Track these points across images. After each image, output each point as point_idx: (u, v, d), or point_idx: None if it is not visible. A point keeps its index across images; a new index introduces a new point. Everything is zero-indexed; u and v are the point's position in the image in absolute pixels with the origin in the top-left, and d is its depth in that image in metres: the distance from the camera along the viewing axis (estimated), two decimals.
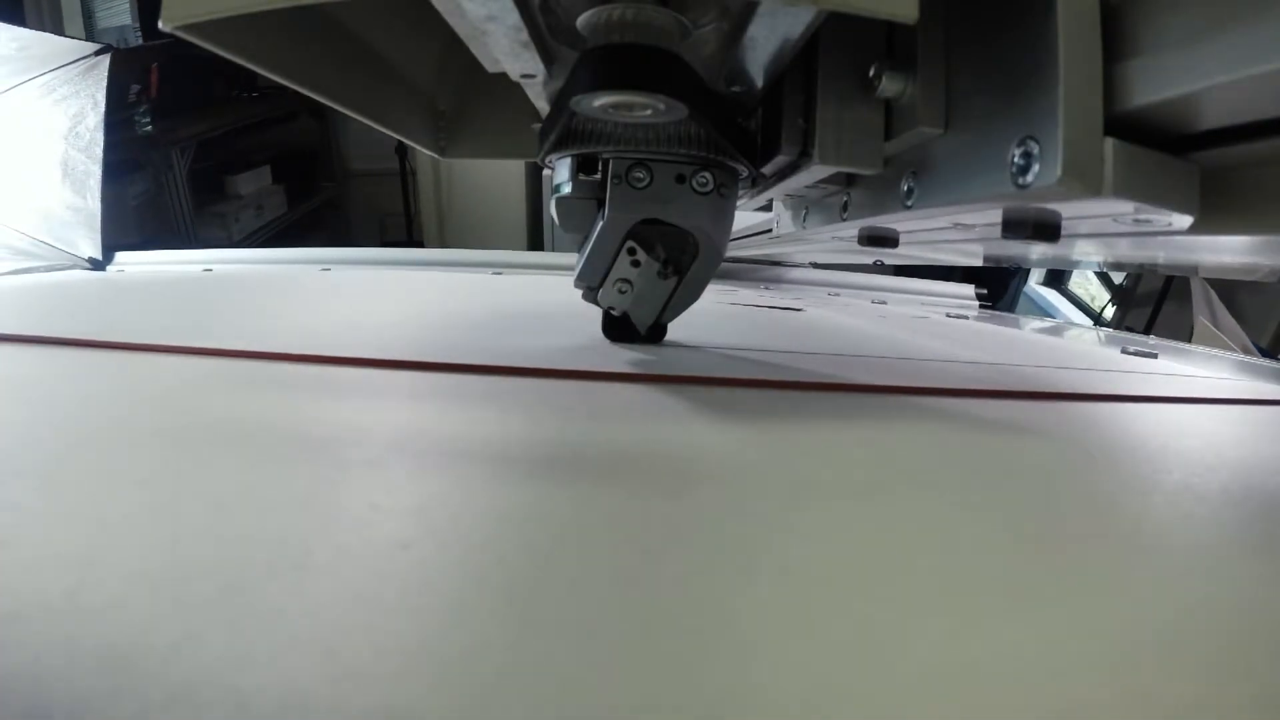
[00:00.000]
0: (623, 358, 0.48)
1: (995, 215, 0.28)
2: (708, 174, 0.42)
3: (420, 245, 2.63)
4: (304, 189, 2.87)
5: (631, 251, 0.45)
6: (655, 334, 0.51)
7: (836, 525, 0.24)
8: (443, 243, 2.60)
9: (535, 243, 2.53)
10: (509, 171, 2.45)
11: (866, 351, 0.60)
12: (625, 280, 0.46)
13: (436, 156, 0.57)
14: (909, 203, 0.33)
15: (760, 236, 0.88)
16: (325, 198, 3.01)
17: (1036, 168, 0.23)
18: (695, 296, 0.48)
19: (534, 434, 0.32)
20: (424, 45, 0.51)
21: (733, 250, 1.16)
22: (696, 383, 0.42)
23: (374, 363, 0.43)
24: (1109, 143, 0.22)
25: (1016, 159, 0.24)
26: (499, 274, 1.17)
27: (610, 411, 0.36)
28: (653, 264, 0.45)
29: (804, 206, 0.50)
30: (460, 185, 2.56)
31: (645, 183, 0.41)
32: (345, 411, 0.35)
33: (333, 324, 0.61)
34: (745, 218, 0.85)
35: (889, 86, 0.31)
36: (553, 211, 0.45)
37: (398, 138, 0.51)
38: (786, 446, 0.33)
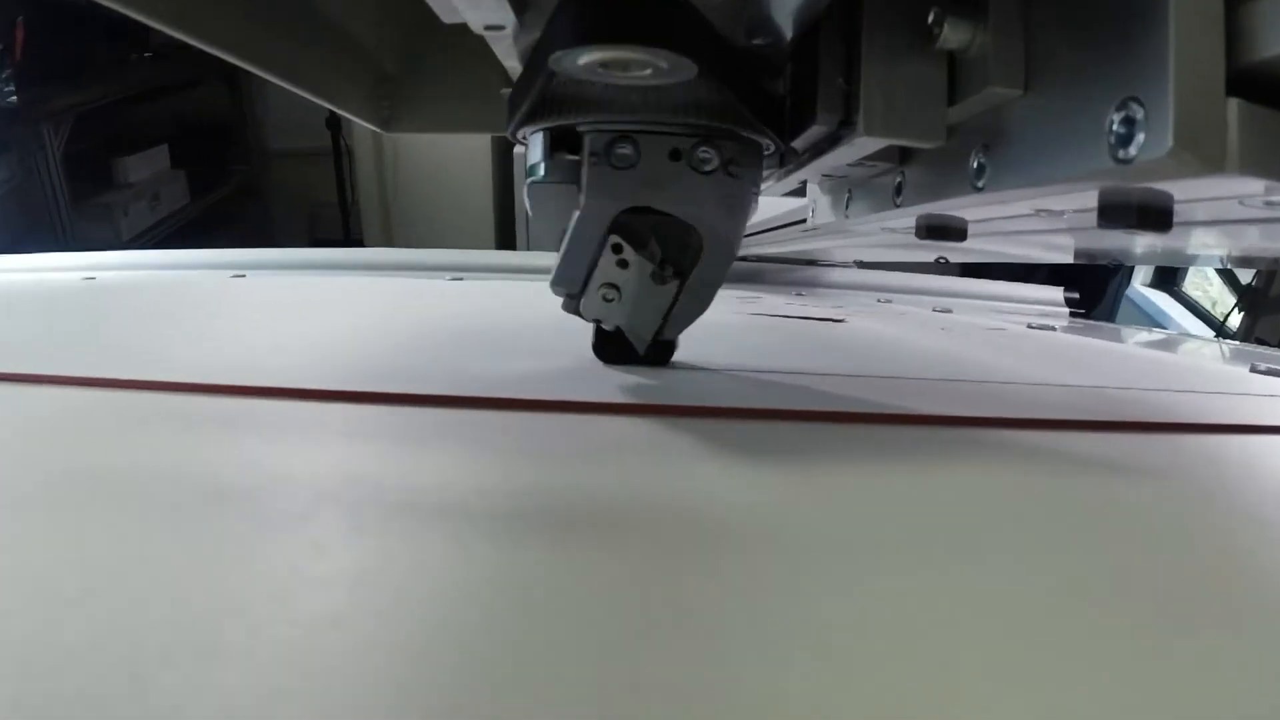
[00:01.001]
0: (617, 383, 0.48)
1: (1090, 199, 0.28)
2: (710, 149, 0.42)
3: (360, 244, 2.63)
4: (211, 174, 2.86)
5: (617, 249, 0.45)
6: (659, 353, 0.51)
7: (890, 600, 0.24)
8: (388, 240, 2.60)
9: (506, 239, 2.53)
10: (472, 150, 2.46)
11: (927, 373, 0.60)
12: (611, 285, 0.46)
13: (380, 131, 0.57)
14: (979, 184, 0.33)
15: (792, 229, 0.88)
16: (238, 185, 2.99)
17: (1141, 137, 0.23)
18: (704, 305, 0.48)
19: (504, 482, 0.32)
20: None
21: (757, 247, 1.16)
22: (710, 415, 0.42)
23: (303, 394, 0.43)
24: (1233, 104, 0.22)
25: (1116, 126, 0.24)
26: (459, 279, 1.17)
27: (602, 453, 0.36)
28: (645, 265, 0.45)
29: (846, 190, 0.50)
30: (410, 168, 2.56)
31: (631, 161, 0.41)
32: (266, 454, 0.34)
33: (250, 345, 0.61)
34: (772, 205, 0.81)
35: (952, 36, 0.31)
36: (525, 199, 0.45)
37: (330, 107, 0.51)
38: (824, 497, 0.33)
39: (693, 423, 0.41)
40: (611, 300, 0.47)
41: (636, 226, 0.44)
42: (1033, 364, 0.69)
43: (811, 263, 1.40)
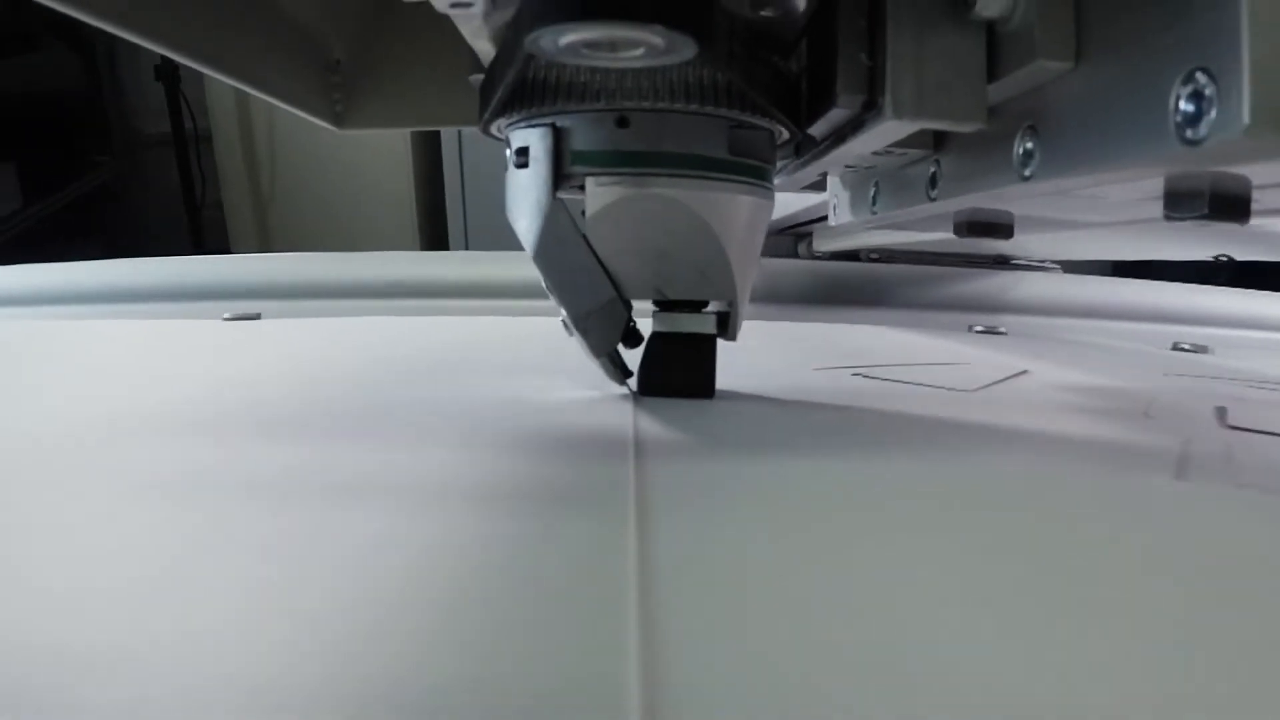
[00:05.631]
0: None
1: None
2: None
3: (223, 253, 2.15)
4: (58, 169, 2.34)
5: None
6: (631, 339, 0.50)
7: None
8: (264, 244, 2.25)
9: (435, 235, 2.24)
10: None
11: None
12: None
13: (333, 129, 0.56)
14: (1027, 172, 0.33)
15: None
16: (98, 183, 2.44)
17: (1211, 114, 0.23)
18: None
19: None
20: None
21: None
22: None
23: None
24: None
25: (1181, 103, 0.24)
26: (250, 319, 0.84)
27: None
28: None
29: (872, 183, 0.51)
30: (294, 153, 2.21)
31: None
32: None
33: None
34: (792, 202, 0.77)
35: (991, 2, 0.31)
36: (510, 210, 0.45)
37: (275, 102, 0.50)
38: None
39: None
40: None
41: None
42: None
43: (1005, 261, 1.05)
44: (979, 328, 0.91)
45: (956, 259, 1.05)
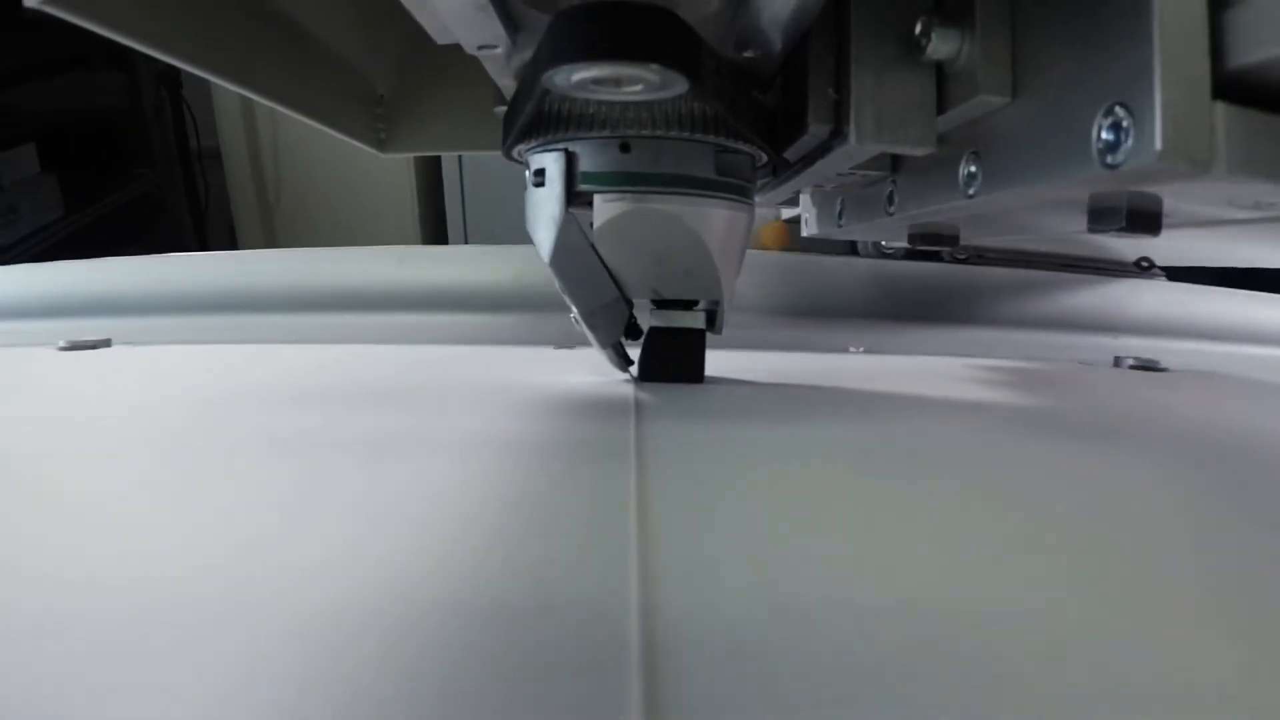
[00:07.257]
0: None
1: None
2: None
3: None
4: (99, 180, 2.25)
5: None
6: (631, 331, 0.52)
7: None
8: (270, 246, 2.06)
9: (437, 234, 2.17)
10: None
11: None
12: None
13: (375, 152, 0.58)
14: (971, 192, 0.34)
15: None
16: (138, 193, 2.35)
17: (1129, 142, 0.24)
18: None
19: None
20: (353, 11, 0.53)
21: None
22: None
23: None
24: (1219, 107, 0.23)
25: (1103, 133, 0.25)
26: (97, 347, 0.61)
27: None
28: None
29: (839, 201, 0.52)
30: (299, 161, 2.15)
31: None
32: None
33: None
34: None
35: (940, 46, 0.32)
36: (530, 223, 0.47)
37: (326, 129, 0.52)
38: None
39: None
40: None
41: None
42: None
43: (1146, 267, 0.78)
44: (1130, 360, 0.64)
45: (1059, 262, 0.80)
